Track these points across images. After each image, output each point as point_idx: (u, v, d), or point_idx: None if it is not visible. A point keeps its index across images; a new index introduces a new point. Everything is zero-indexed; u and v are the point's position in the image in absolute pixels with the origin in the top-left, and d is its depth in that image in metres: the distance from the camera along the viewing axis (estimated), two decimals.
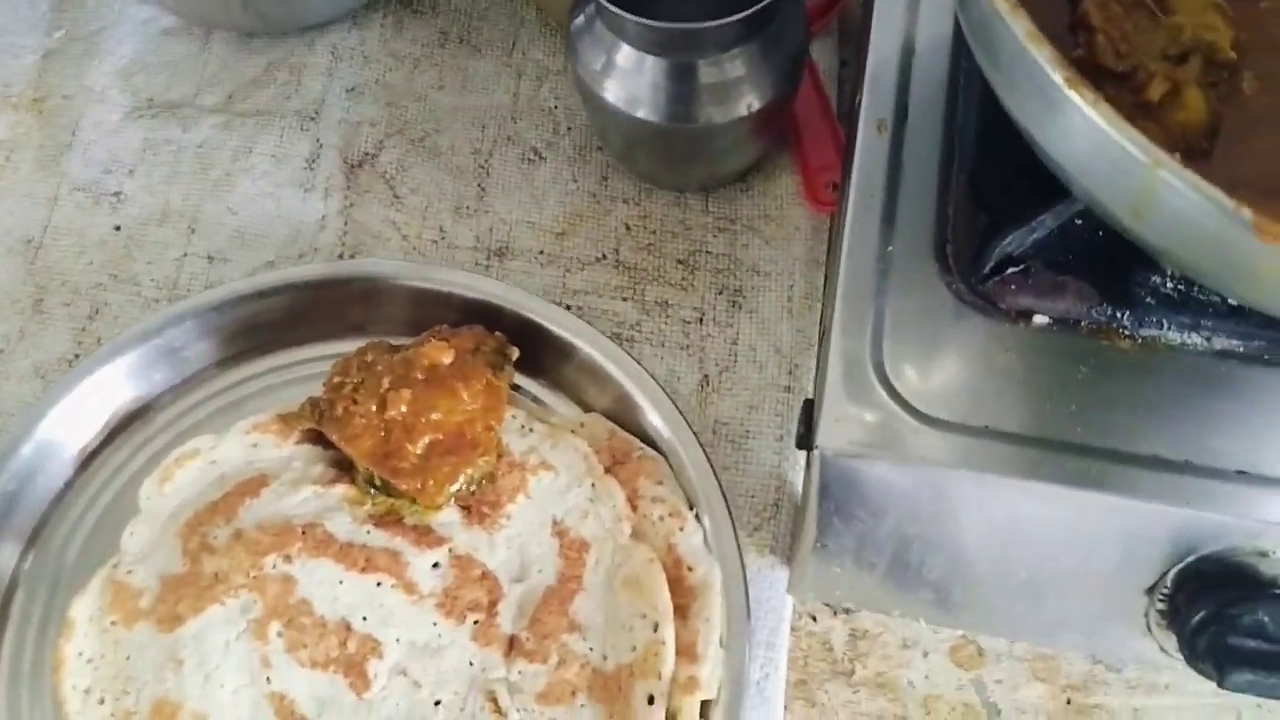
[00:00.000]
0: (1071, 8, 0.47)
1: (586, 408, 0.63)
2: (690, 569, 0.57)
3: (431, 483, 0.57)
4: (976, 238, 0.51)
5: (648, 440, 0.61)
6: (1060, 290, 0.50)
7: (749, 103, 0.63)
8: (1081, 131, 0.40)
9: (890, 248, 0.51)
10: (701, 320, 0.67)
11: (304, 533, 0.57)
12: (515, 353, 0.62)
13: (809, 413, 0.50)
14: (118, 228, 0.70)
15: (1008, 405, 0.47)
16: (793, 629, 0.59)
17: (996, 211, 0.51)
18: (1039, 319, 0.49)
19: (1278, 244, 0.35)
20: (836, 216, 0.68)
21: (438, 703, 0.55)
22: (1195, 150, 0.45)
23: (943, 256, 0.51)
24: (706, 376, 0.65)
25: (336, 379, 0.59)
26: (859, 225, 0.52)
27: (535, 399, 0.64)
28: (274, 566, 0.56)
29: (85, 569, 0.58)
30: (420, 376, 0.58)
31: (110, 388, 0.61)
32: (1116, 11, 0.47)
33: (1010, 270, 0.50)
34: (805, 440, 0.51)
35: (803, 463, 0.62)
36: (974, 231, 0.51)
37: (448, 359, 0.59)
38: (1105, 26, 0.46)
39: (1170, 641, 0.49)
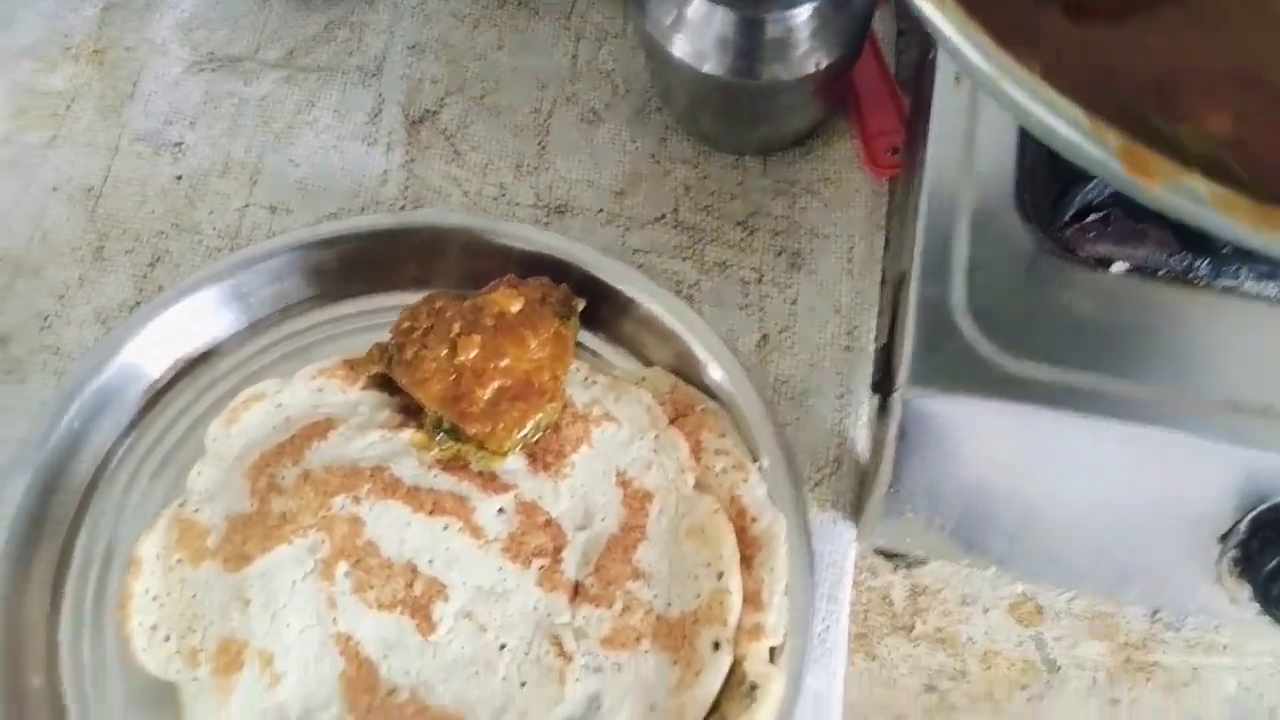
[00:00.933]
0: None
1: (646, 363, 0.63)
2: (754, 520, 0.57)
3: (500, 427, 0.57)
4: (1056, 186, 0.51)
5: (709, 395, 0.61)
6: (1139, 238, 0.50)
7: (816, 60, 0.63)
8: None
9: (969, 195, 0.52)
10: (760, 280, 0.67)
11: (372, 475, 0.57)
12: (581, 304, 0.62)
13: (886, 358, 0.51)
14: (179, 178, 0.70)
15: (1087, 349, 0.47)
16: (853, 584, 0.59)
17: None
18: (1118, 266, 0.50)
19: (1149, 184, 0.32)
20: (899, 180, 0.68)
21: (503, 646, 0.55)
22: None
23: (1022, 204, 0.51)
24: (765, 335, 0.65)
25: (406, 324, 0.59)
26: (938, 173, 0.52)
27: (595, 353, 0.64)
28: (342, 507, 0.56)
29: (148, 509, 0.58)
30: (490, 323, 0.59)
31: (176, 331, 0.61)
32: None
33: (1090, 218, 0.50)
34: (883, 385, 0.51)
35: (864, 419, 0.62)
36: (1053, 180, 0.51)
37: (517, 307, 0.59)
38: None
39: (1243, 591, 0.49)
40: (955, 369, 0.47)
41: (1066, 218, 0.51)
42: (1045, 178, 0.52)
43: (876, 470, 0.51)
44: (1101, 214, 0.50)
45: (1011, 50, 0.33)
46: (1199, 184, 0.30)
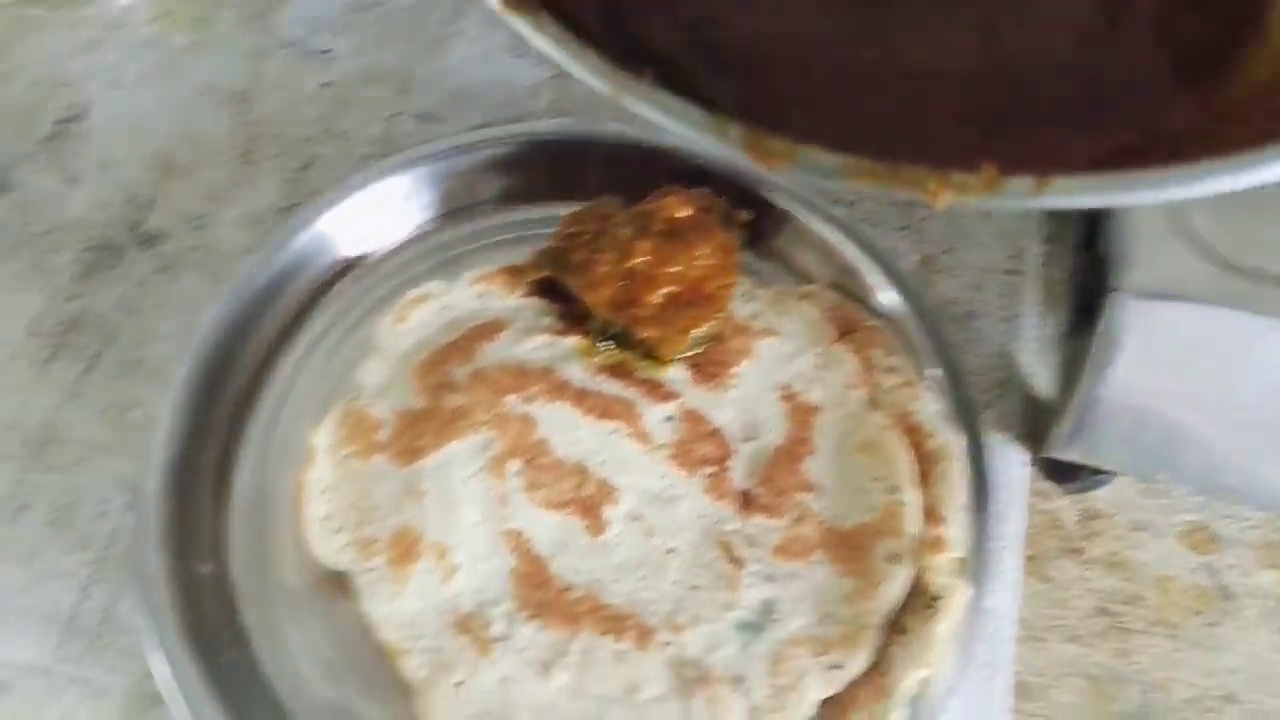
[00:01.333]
0: None
1: (806, 280, 0.62)
2: (929, 436, 0.56)
3: (671, 332, 0.56)
4: None
5: (874, 314, 0.60)
6: None
7: None
8: None
9: None
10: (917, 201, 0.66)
11: (542, 376, 0.56)
12: (746, 216, 0.61)
13: (1093, 262, 0.49)
14: (328, 84, 0.69)
15: None
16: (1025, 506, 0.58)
17: None
18: None
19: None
20: None
21: (670, 550, 0.54)
22: None
23: None
24: (927, 256, 0.64)
25: (572, 229, 0.58)
26: None
27: (754, 270, 0.63)
28: (514, 406, 0.55)
29: (312, 404, 0.58)
30: (659, 229, 0.58)
31: (336, 233, 0.61)
32: None
33: None
34: (1088, 291, 0.50)
35: (1031, 342, 0.61)
36: None
37: (685, 213, 0.58)
38: None
39: None
40: (1171, 270, 0.46)
41: None
42: None
43: (1076, 380, 0.50)
44: None
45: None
46: (825, 158, 0.30)
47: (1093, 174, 0.30)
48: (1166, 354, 0.47)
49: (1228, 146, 0.31)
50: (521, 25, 0.33)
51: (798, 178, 0.31)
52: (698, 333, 0.57)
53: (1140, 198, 0.31)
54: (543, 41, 0.33)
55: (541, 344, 0.58)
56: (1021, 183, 0.29)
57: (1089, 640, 0.55)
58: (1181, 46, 0.41)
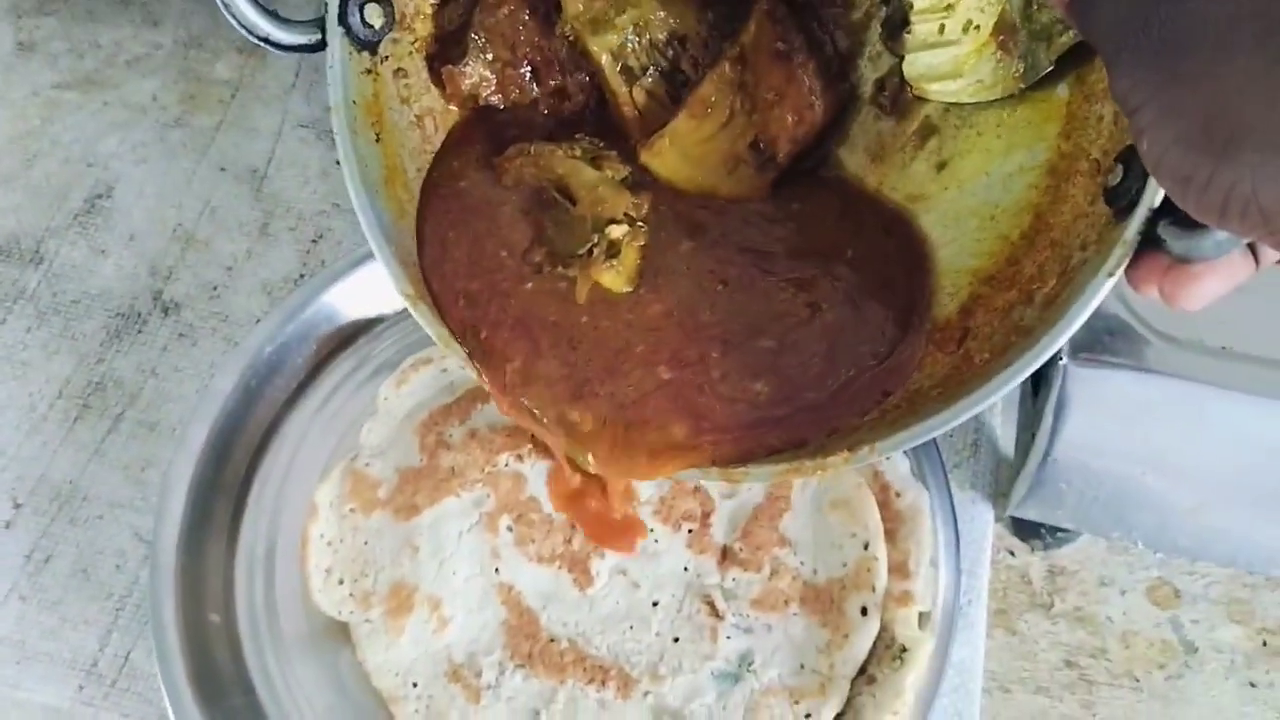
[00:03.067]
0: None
1: None
2: (898, 494, 0.59)
3: None
4: None
5: None
6: None
7: None
8: None
9: None
10: None
11: (533, 436, 0.59)
12: None
13: None
14: (339, 162, 0.74)
15: (1246, 328, 0.49)
16: (992, 562, 0.60)
17: None
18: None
19: None
20: None
21: (655, 603, 0.57)
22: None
23: None
24: None
25: None
26: None
27: None
28: (506, 464, 0.59)
29: (317, 462, 0.62)
30: None
31: (342, 303, 0.65)
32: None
33: None
34: None
35: (999, 405, 0.64)
36: None
37: None
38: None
39: None
40: (1115, 338, 0.49)
41: None
42: None
43: (1030, 441, 0.53)
44: None
45: None
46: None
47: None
48: (1112, 418, 0.50)
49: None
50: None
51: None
52: None
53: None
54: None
55: None
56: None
57: (1055, 692, 0.57)
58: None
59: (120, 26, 0.80)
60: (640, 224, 0.48)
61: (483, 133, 0.52)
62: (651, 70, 0.51)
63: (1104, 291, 0.36)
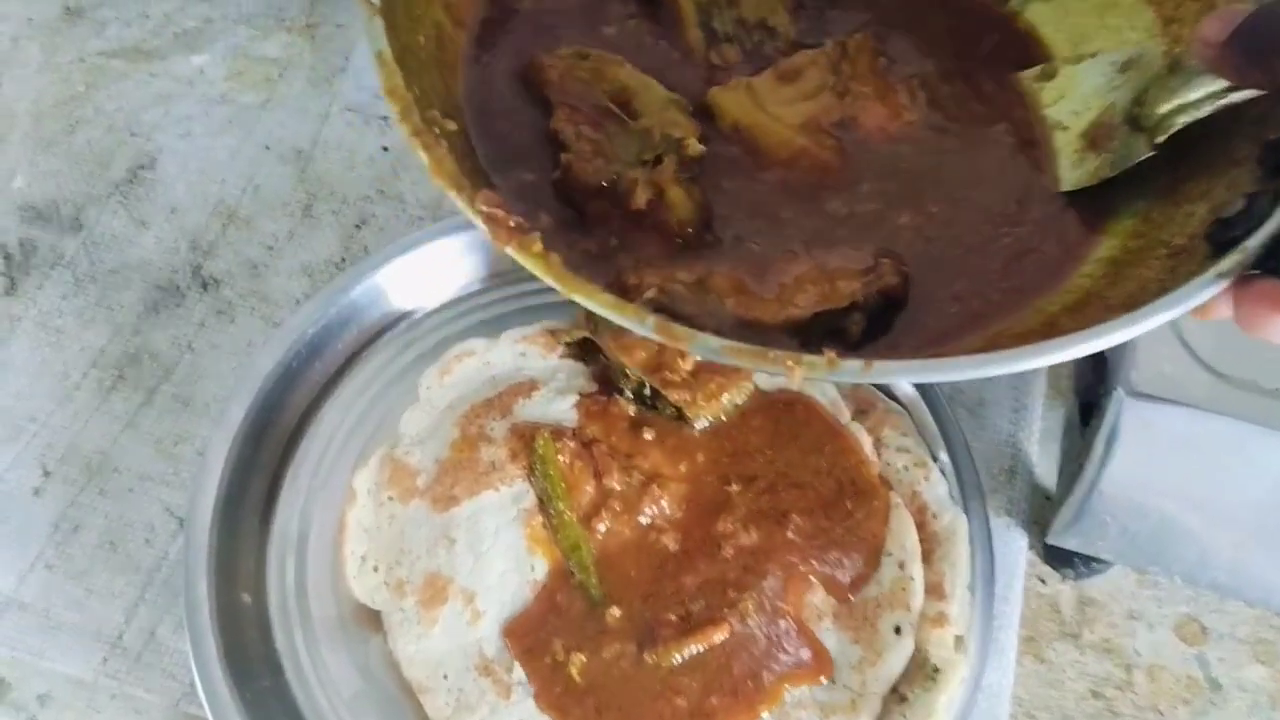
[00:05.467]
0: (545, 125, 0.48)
1: None
2: (934, 516, 0.59)
3: (699, 397, 0.59)
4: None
5: (889, 395, 0.63)
6: None
7: None
8: None
9: None
10: None
11: (575, 433, 0.59)
12: None
13: (1098, 363, 0.53)
14: (385, 148, 0.74)
15: None
16: (1023, 590, 0.60)
17: None
18: None
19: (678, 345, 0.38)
20: None
21: None
22: (702, 243, 0.46)
23: None
24: None
25: None
26: None
27: None
28: None
29: (353, 447, 0.61)
30: None
31: (386, 288, 0.65)
32: (585, 125, 0.48)
33: None
34: (1092, 389, 0.53)
35: (1036, 433, 0.64)
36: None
37: None
38: (577, 143, 0.47)
39: None
40: (1171, 376, 0.49)
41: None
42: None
43: (1078, 471, 0.53)
44: None
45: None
46: (712, 340, 0.37)
47: (905, 359, 0.38)
48: (1162, 453, 0.50)
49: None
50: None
51: (695, 350, 0.38)
52: (724, 399, 0.61)
53: (948, 376, 0.38)
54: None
55: (574, 403, 0.61)
56: (853, 364, 0.37)
57: None
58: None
59: None
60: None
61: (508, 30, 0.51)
62: (734, 43, 0.51)
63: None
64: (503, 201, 0.39)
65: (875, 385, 0.64)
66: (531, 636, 0.55)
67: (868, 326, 0.44)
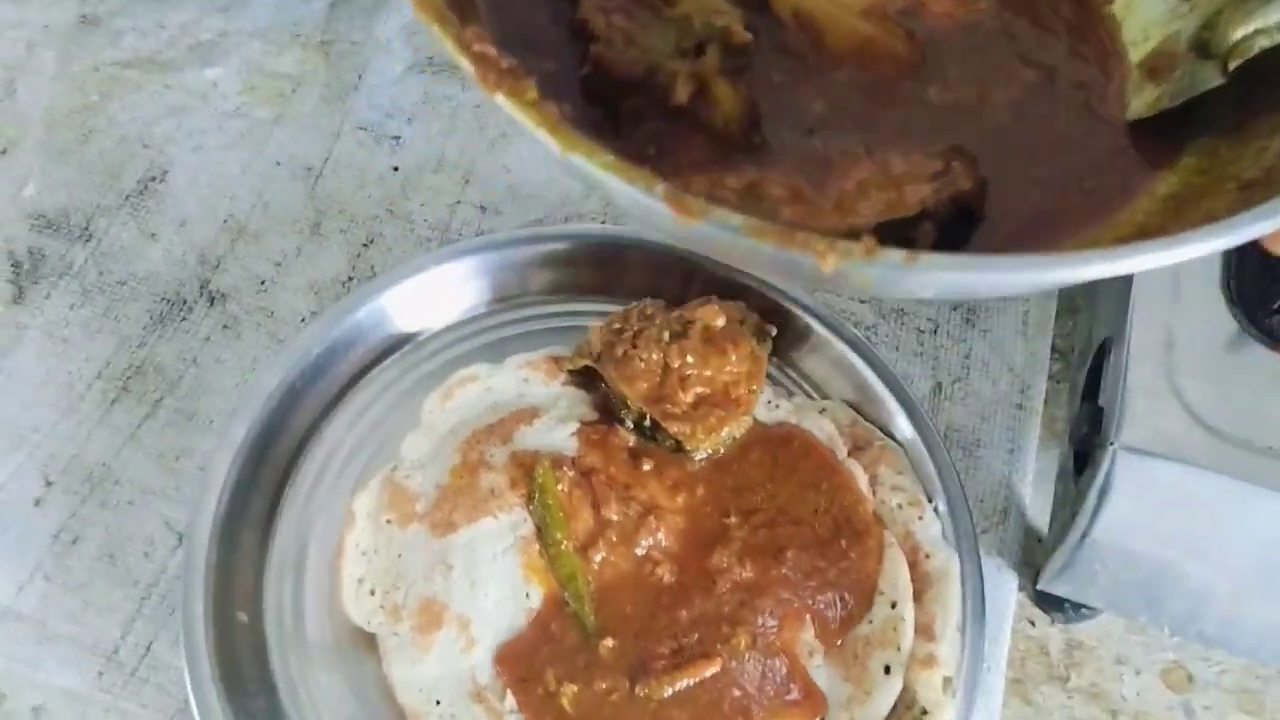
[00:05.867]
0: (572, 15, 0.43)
1: (823, 395, 0.66)
2: (927, 556, 0.59)
3: (699, 430, 0.60)
4: (1264, 276, 0.54)
5: (885, 432, 0.64)
6: None
7: None
8: None
9: (1179, 273, 0.55)
10: (935, 331, 0.70)
11: (574, 462, 0.60)
12: (774, 330, 0.65)
13: (1093, 414, 0.53)
14: (396, 168, 0.74)
15: None
16: (1012, 631, 0.61)
17: None
18: None
19: (690, 221, 0.32)
20: None
21: None
22: (750, 146, 0.42)
23: (1228, 289, 0.54)
24: (939, 384, 0.68)
25: (616, 325, 0.63)
26: None
27: (776, 381, 0.67)
28: None
29: (352, 470, 0.62)
30: (696, 334, 0.62)
31: (392, 310, 0.65)
32: (616, 13, 0.43)
33: None
34: (1087, 439, 0.54)
35: (1030, 476, 0.65)
36: (1262, 270, 0.54)
37: (721, 322, 0.63)
38: (608, 32, 0.42)
39: None
40: (1165, 431, 0.50)
41: (1273, 308, 0.53)
42: (1254, 267, 0.55)
43: (1070, 520, 0.54)
44: None
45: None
46: (732, 216, 0.32)
47: (955, 255, 0.34)
48: (1155, 507, 0.51)
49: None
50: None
51: (708, 231, 0.32)
52: (723, 433, 0.61)
53: (1000, 274, 0.34)
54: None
55: (575, 431, 0.62)
56: (894, 254, 0.32)
57: None
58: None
59: (187, 10, 0.80)
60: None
61: None
62: None
63: None
64: (496, 40, 0.34)
65: (873, 421, 0.64)
66: (524, 665, 0.55)
67: (940, 238, 0.40)
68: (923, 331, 0.70)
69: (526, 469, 0.59)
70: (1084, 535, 0.52)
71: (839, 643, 0.57)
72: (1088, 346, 0.61)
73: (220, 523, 0.58)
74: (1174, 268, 0.54)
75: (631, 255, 0.68)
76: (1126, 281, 0.56)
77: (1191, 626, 0.55)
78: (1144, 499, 0.51)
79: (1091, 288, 0.65)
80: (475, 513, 0.58)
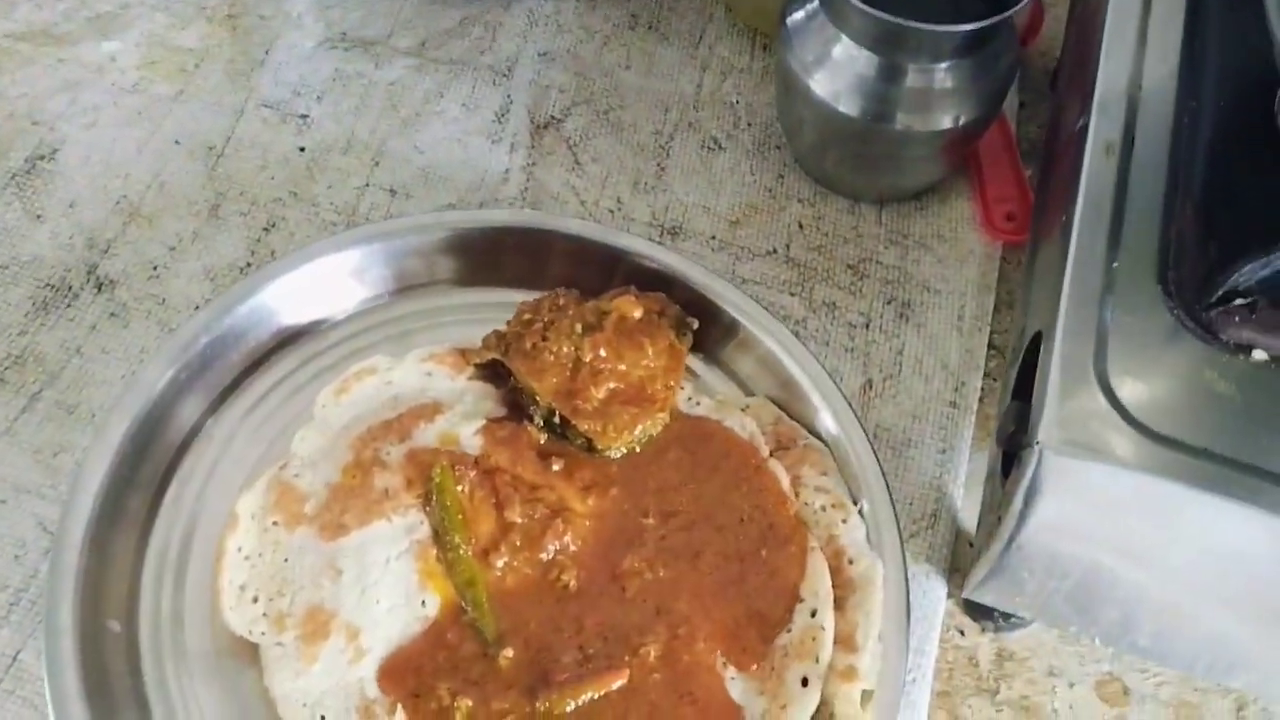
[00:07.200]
0: None
1: (747, 392, 0.63)
2: (851, 562, 0.56)
3: (611, 427, 0.56)
4: (1203, 267, 0.51)
5: (811, 431, 0.61)
6: None
7: (955, 116, 0.64)
8: None
9: (1114, 265, 0.52)
10: (868, 326, 0.67)
11: (477, 461, 0.56)
12: (695, 324, 0.62)
13: (1021, 412, 0.50)
14: (302, 149, 0.70)
15: (1227, 431, 0.47)
16: (940, 641, 0.58)
17: (1228, 243, 0.51)
18: (1259, 354, 0.49)
19: None
20: (1015, 247, 0.69)
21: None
22: None
23: (1165, 280, 0.51)
24: (870, 381, 0.65)
25: (526, 316, 0.59)
26: (1084, 240, 0.53)
27: (698, 376, 0.64)
28: None
29: (242, 468, 0.58)
30: (610, 327, 0.58)
31: (288, 298, 0.61)
32: None
33: (1235, 303, 0.50)
34: (1014, 439, 0.50)
35: (963, 477, 0.62)
36: (1201, 261, 0.51)
37: (638, 314, 0.59)
38: None
39: None
40: (1096, 432, 0.47)
41: (1211, 300, 0.50)
42: (1193, 257, 0.52)
43: (996, 524, 0.51)
44: (1248, 300, 0.50)
45: None
46: None
47: None
48: (1084, 511, 0.48)
49: None
50: None
51: None
52: (637, 430, 0.58)
53: None
54: None
55: (479, 429, 0.58)
56: None
57: None
58: None
59: None
60: None
61: None
62: None
63: None
64: None
65: (799, 419, 0.61)
66: (415, 678, 0.51)
67: None
68: (854, 326, 0.67)
69: (424, 468, 0.55)
70: (1009, 541, 0.49)
71: (757, 657, 0.54)
72: (1020, 341, 0.58)
73: (93, 525, 0.54)
74: (1109, 260, 0.52)
75: (550, 243, 0.65)
76: (1060, 273, 0.53)
77: (1124, 638, 0.52)
78: (1072, 502, 0.48)
79: (1027, 280, 0.62)
80: (368, 515, 0.55)
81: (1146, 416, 0.47)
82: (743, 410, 0.61)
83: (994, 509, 0.54)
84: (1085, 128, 0.57)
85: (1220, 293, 0.50)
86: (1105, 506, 0.48)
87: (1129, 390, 0.48)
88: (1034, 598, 0.52)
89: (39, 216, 0.67)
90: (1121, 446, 0.47)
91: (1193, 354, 0.50)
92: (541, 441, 0.58)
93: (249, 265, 0.66)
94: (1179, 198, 0.54)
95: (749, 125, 0.74)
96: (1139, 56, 0.60)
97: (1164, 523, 0.47)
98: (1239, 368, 0.49)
